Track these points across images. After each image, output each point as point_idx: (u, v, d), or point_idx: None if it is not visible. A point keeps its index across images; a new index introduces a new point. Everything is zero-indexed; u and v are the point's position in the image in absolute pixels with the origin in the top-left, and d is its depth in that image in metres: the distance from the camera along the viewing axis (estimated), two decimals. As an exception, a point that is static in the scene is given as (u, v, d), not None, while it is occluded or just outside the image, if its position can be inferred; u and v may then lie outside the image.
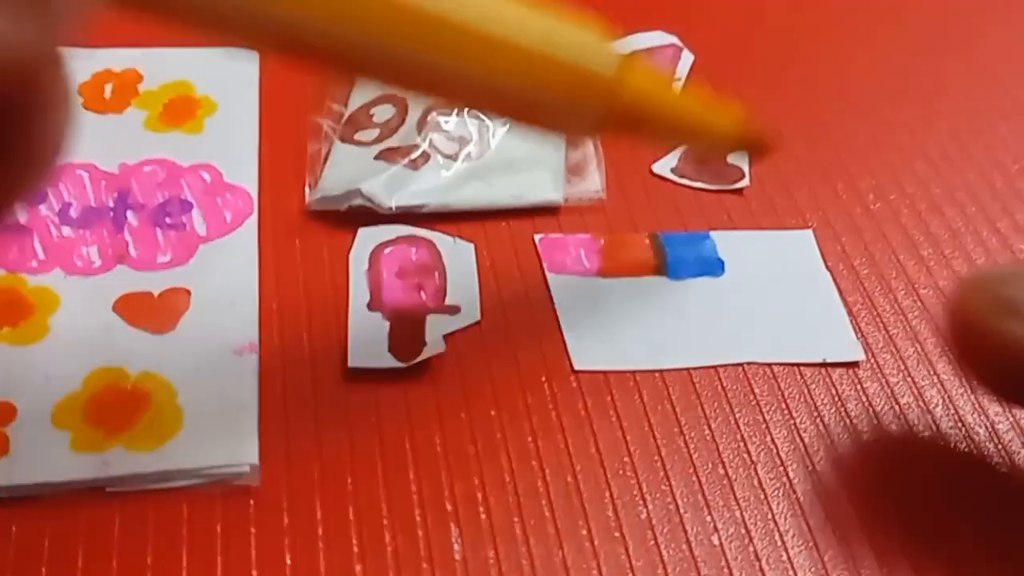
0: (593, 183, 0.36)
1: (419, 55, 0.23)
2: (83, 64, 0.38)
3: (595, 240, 0.34)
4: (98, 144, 0.36)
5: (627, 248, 0.34)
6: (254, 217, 0.34)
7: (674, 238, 0.34)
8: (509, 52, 0.24)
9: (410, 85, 0.25)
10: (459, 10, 0.23)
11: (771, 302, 0.33)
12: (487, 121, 0.37)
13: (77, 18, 0.16)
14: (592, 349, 0.31)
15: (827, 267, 0.34)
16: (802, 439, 0.30)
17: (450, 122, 0.36)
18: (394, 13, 0.22)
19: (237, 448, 0.28)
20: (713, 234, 0.35)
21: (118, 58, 0.39)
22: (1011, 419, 0.30)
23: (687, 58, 0.41)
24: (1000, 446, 0.30)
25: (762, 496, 0.28)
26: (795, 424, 0.30)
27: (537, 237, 0.34)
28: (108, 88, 0.38)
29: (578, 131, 0.29)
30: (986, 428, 0.30)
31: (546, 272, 0.33)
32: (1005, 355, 0.27)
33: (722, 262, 0.34)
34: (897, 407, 0.31)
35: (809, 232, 0.35)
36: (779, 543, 0.28)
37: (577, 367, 0.31)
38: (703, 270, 0.33)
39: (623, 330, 0.32)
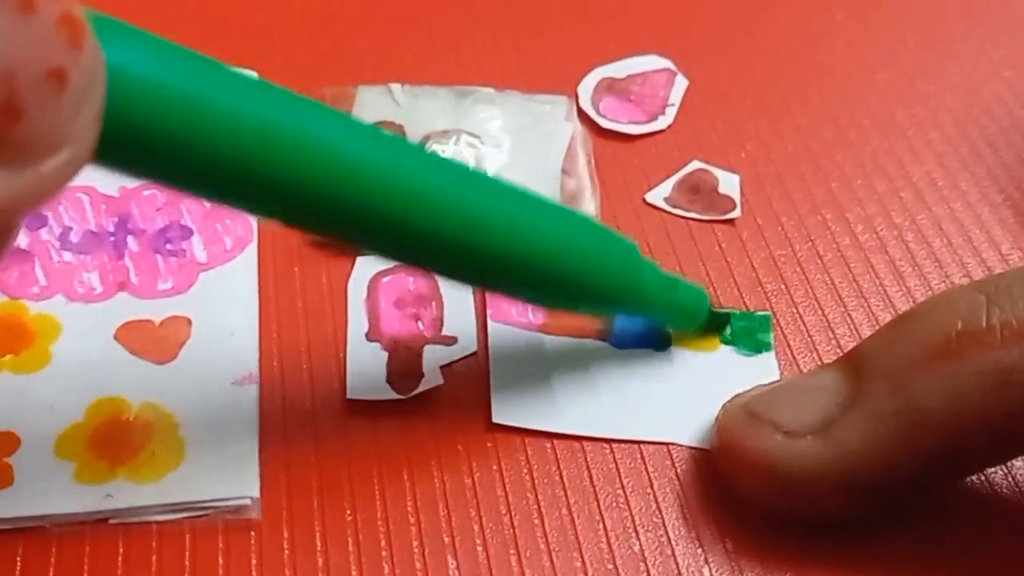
0: (588, 212, 0.36)
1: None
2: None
3: None
4: (98, 167, 0.36)
5: None
6: (254, 244, 0.34)
7: None
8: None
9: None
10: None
11: (713, 387, 0.31)
12: (483, 150, 0.37)
13: (62, 178, 0.18)
14: (515, 405, 0.31)
15: (780, 369, 0.33)
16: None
17: (447, 150, 0.37)
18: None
19: (238, 481, 0.29)
20: None
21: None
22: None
23: (681, 83, 0.42)
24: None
25: (751, 528, 0.29)
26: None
27: None
28: (107, 109, 0.38)
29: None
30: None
31: (488, 320, 0.33)
32: (760, 461, 0.27)
33: (670, 337, 0.33)
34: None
35: (771, 355, 0.33)
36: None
37: (495, 420, 0.30)
38: (647, 343, 0.33)
39: (552, 391, 0.31)
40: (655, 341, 0.33)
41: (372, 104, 0.39)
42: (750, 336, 0.33)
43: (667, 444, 0.31)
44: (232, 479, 0.29)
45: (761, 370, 0.32)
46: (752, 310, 0.34)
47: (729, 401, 0.30)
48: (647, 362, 0.33)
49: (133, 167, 0.22)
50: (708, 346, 0.33)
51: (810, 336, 0.34)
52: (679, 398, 0.32)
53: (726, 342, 0.33)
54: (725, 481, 0.29)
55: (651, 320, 0.33)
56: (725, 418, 0.29)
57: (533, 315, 0.33)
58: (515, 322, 0.33)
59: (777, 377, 0.32)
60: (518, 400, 0.31)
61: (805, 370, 0.33)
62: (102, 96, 0.18)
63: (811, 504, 0.28)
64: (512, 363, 0.32)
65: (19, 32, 0.16)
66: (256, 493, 0.29)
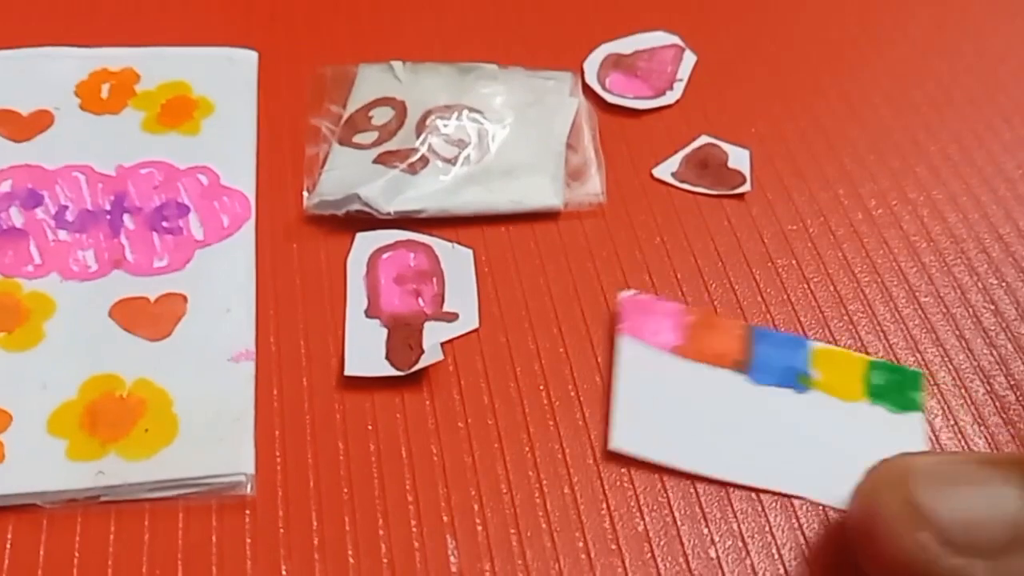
0: (593, 187, 0.36)
1: None
2: (81, 63, 0.38)
3: (685, 314, 0.31)
4: (95, 146, 0.35)
5: (715, 332, 0.31)
6: (251, 221, 0.34)
7: (767, 336, 0.31)
8: None
9: None
10: None
11: (852, 441, 0.29)
12: (486, 124, 0.36)
13: None
14: (635, 431, 0.29)
15: (933, 440, 0.30)
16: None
17: (449, 125, 0.36)
18: None
19: (233, 458, 0.28)
20: (811, 345, 0.31)
21: (116, 57, 0.39)
22: None
23: (689, 59, 0.41)
24: None
25: (759, 508, 0.28)
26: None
27: (622, 296, 0.32)
28: (105, 88, 0.37)
29: None
30: (989, 445, 0.30)
31: (620, 333, 0.31)
32: (908, 565, 0.24)
33: (810, 377, 0.30)
34: (896, 418, 0.30)
35: (919, 416, 0.30)
36: (775, 556, 0.27)
37: (612, 447, 0.29)
38: (788, 381, 0.30)
39: (678, 421, 0.29)
40: (795, 380, 0.30)
41: (373, 81, 0.38)
42: (899, 392, 0.30)
43: (788, 496, 0.28)
44: (226, 456, 0.28)
45: (907, 431, 0.30)
46: (904, 365, 0.31)
47: (883, 474, 0.25)
48: (785, 403, 0.30)
49: None
50: (850, 395, 0.30)
51: (822, 312, 0.33)
52: (812, 448, 0.29)
53: (871, 395, 0.30)
54: (860, 550, 0.25)
55: (791, 358, 0.31)
56: (881, 494, 0.24)
57: (669, 333, 0.31)
58: (649, 340, 0.31)
59: (923, 441, 0.29)
60: (639, 426, 0.29)
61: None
62: None
63: None
64: (639, 386, 0.30)
65: None
66: (251, 470, 0.28)
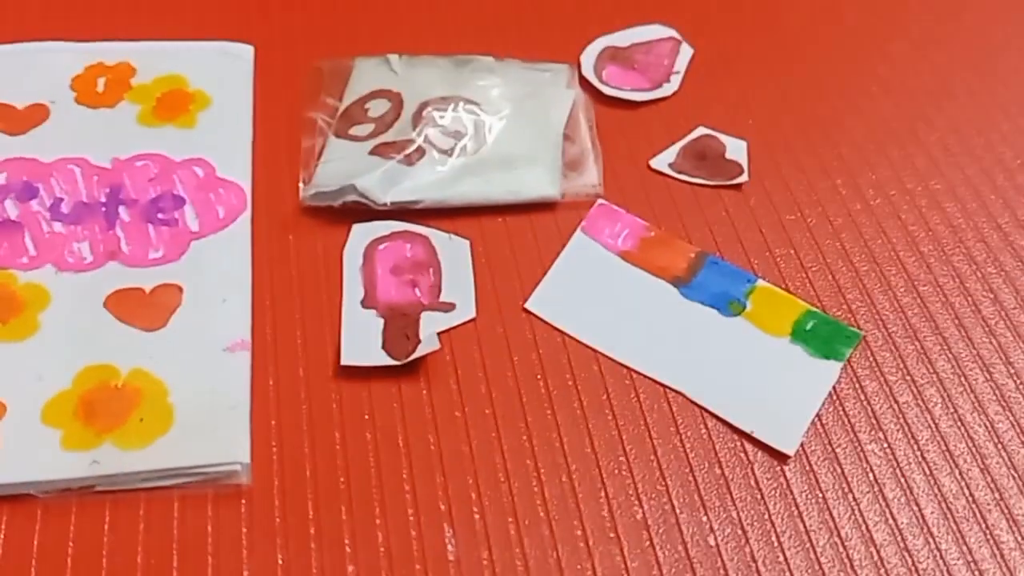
0: (590, 178, 0.35)
1: None
2: (76, 57, 0.38)
3: (647, 229, 0.34)
4: (91, 139, 0.35)
5: (667, 249, 0.33)
6: (247, 213, 0.34)
7: (718, 265, 0.33)
8: None
9: None
10: None
11: (755, 366, 0.31)
12: (483, 116, 0.36)
13: None
14: (551, 303, 0.32)
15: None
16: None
17: (445, 117, 0.36)
18: None
19: (228, 447, 0.28)
20: (758, 282, 0.33)
21: (111, 51, 0.38)
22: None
23: (686, 51, 0.41)
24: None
25: (759, 496, 0.28)
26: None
27: (597, 203, 0.34)
28: (101, 82, 0.37)
29: None
30: (989, 432, 0.30)
31: (579, 230, 0.34)
32: None
33: (742, 306, 0.32)
34: (895, 404, 0.30)
35: (838, 365, 0.31)
36: (775, 544, 0.27)
37: (526, 306, 0.32)
38: (718, 303, 0.32)
39: (593, 305, 0.32)
40: (725, 304, 0.32)
41: (369, 74, 0.38)
42: (826, 342, 0.31)
43: (700, 407, 0.30)
44: (222, 445, 0.28)
45: (821, 375, 0.31)
46: (847, 323, 0.32)
47: None
48: (707, 320, 0.32)
49: None
50: (774, 331, 0.32)
51: (820, 301, 0.33)
52: (727, 368, 0.31)
53: (794, 334, 0.32)
54: None
55: (731, 286, 0.32)
56: None
57: (621, 240, 0.33)
58: (602, 241, 0.33)
59: (827, 391, 0.30)
60: (558, 298, 0.32)
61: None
62: None
63: None
64: (572, 272, 0.33)
65: None
66: (246, 459, 0.28)
